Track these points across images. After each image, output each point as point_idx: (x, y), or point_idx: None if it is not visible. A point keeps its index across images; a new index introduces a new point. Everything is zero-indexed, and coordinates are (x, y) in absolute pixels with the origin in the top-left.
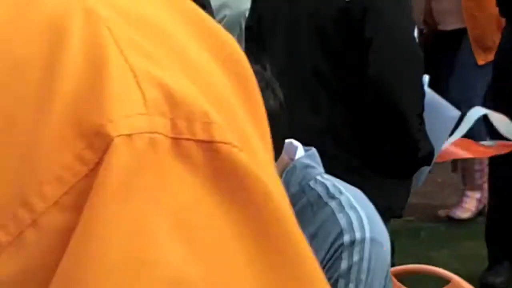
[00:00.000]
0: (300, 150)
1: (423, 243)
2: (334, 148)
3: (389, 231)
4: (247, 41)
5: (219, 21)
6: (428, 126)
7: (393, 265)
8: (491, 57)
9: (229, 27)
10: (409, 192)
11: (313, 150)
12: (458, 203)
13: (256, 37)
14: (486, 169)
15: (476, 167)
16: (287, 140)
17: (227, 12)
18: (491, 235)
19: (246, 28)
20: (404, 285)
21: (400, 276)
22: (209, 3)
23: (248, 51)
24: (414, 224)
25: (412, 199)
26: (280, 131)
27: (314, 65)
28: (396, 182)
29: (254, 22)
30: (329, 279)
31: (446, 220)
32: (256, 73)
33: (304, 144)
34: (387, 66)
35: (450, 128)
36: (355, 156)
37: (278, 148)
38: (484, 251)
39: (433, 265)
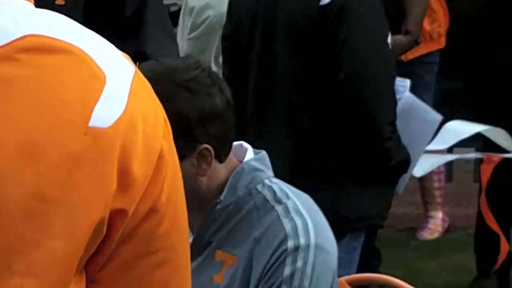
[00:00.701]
0: (249, 153)
1: (412, 253)
2: (307, 156)
3: (375, 239)
4: (225, 48)
5: (202, 22)
6: (408, 131)
7: (378, 273)
8: None
9: (212, 28)
10: (390, 201)
11: (263, 153)
12: (424, 224)
13: (234, 44)
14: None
15: (436, 184)
16: (236, 142)
17: (210, 13)
18: (479, 248)
19: (223, 36)
20: None
21: (353, 284)
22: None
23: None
24: (404, 234)
25: (403, 209)
26: (226, 130)
27: (290, 71)
28: (375, 191)
29: (232, 29)
30: (272, 284)
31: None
32: (203, 70)
33: (278, 152)
34: (357, 70)
35: (432, 132)
36: (329, 164)
37: (225, 149)
38: (474, 263)
39: (420, 275)
